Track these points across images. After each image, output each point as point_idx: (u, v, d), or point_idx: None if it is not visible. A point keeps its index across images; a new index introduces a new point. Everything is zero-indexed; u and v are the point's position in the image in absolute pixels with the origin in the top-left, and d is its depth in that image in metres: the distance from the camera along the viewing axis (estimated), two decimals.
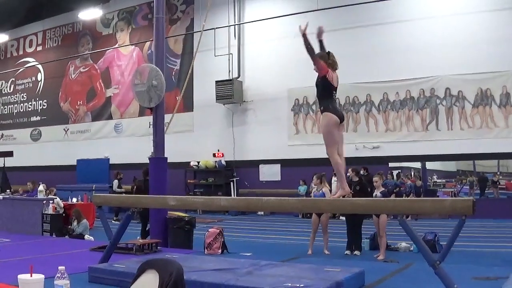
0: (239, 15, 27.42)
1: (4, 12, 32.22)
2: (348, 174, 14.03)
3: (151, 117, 15.13)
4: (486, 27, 21.96)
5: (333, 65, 7.96)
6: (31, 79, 36.47)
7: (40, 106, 35.76)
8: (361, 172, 21.28)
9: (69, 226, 16.59)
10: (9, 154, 30.22)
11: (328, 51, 8.06)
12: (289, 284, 7.33)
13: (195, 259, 10.18)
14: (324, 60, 7.91)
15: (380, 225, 12.71)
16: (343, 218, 17.17)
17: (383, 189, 13.36)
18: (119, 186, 24.41)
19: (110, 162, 31.14)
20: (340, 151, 7.94)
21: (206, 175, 28.20)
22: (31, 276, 3.04)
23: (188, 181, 28.18)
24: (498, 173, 23.36)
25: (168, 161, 14.82)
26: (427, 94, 23.18)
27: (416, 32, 23.16)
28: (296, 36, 8.03)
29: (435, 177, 24.75)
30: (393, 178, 23.86)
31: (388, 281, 9.16)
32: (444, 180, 24.77)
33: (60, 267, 3.04)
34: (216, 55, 27.00)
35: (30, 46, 36.68)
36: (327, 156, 7.89)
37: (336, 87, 7.92)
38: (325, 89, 7.84)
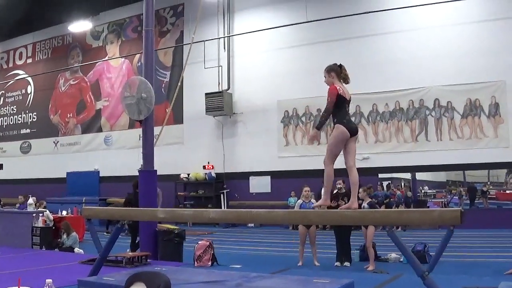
0: (228, 27, 27.47)
1: None
2: (337, 185, 14.07)
3: (141, 129, 15.12)
4: (474, 38, 22.08)
5: (345, 79, 7.94)
6: (21, 92, 36.42)
7: (30, 118, 35.69)
8: None
9: (59, 239, 16.54)
10: None
11: (340, 64, 8.02)
12: None
13: (185, 271, 10.16)
14: (336, 73, 7.88)
15: (368, 236, 12.74)
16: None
17: (370, 200, 13.38)
18: None
19: (100, 175, 31.07)
20: (351, 164, 7.99)
21: (196, 187, 28.15)
22: None
23: (178, 193, 28.11)
24: (488, 183, 23.43)
25: (158, 173, 14.80)
26: (416, 105, 23.26)
27: (405, 44, 23.26)
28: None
29: (426, 187, 24.79)
30: (383, 189, 23.91)
31: None
32: (434, 191, 24.83)
33: (47, 280, 3.05)
34: (206, 67, 27.05)
35: (20, 58, 36.66)
36: (322, 167, 7.92)
37: (349, 100, 7.91)
38: (338, 103, 7.80)
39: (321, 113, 7.98)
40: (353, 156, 8.01)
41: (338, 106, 7.72)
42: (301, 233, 13.49)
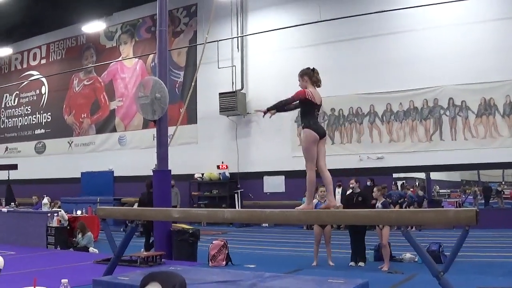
0: (242, 27, 27.45)
1: (8, 26, 32.33)
2: (351, 184, 14.04)
3: (155, 129, 15.15)
4: (489, 36, 21.96)
5: (317, 82, 8.07)
6: (35, 92, 36.56)
7: (44, 119, 35.82)
8: (368, 183, 21.35)
9: (74, 239, 16.61)
10: (14, 167, 30.27)
11: (313, 68, 8.16)
12: None
13: (199, 271, 10.17)
14: (309, 76, 8.08)
15: (383, 236, 12.69)
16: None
17: (384, 199, 13.34)
18: None
19: (115, 175, 31.13)
20: (322, 165, 8.06)
21: (210, 187, 28.15)
22: None
23: (192, 193, 28.13)
24: (503, 182, 23.32)
25: (172, 173, 14.83)
26: (430, 105, 23.15)
27: (419, 43, 23.17)
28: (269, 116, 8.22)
29: (437, 187, 24.67)
30: (397, 188, 23.83)
31: None
32: (448, 190, 24.73)
33: (63, 280, 3.06)
34: (220, 67, 27.05)
35: (34, 59, 36.79)
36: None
37: (320, 104, 8.01)
38: (307, 107, 7.98)
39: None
40: (323, 158, 8.10)
41: (307, 110, 7.97)
42: (316, 233, 13.48)
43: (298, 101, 8.07)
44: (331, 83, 23.51)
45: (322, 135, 7.96)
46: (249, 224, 24.53)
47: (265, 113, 8.28)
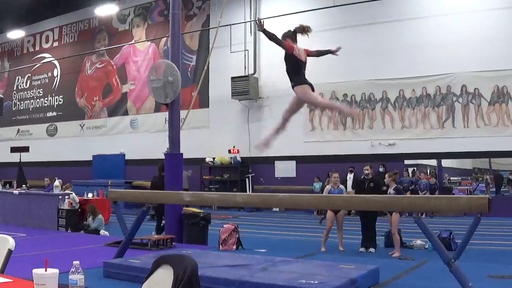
0: (255, 11, 27.35)
1: (21, 8, 32.37)
2: (365, 170, 14.01)
3: (167, 113, 15.16)
4: (503, 24, 21.83)
5: (296, 37, 8.44)
6: (47, 75, 36.60)
7: (56, 101, 35.87)
8: (380, 169, 21.34)
9: (85, 222, 16.65)
10: (25, 149, 30.40)
11: (294, 29, 8.70)
12: (304, 281, 7.33)
13: (210, 255, 10.20)
14: (290, 38, 8.55)
15: (393, 223, 12.69)
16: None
17: (396, 185, 13.32)
18: None
19: (126, 158, 31.21)
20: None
21: (222, 171, 28.19)
22: (46, 270, 3.04)
23: (204, 177, 28.17)
24: None
25: (183, 157, 14.84)
26: (443, 91, 23.04)
27: (432, 29, 23.03)
28: (259, 29, 8.44)
29: (446, 175, 24.58)
30: (408, 175, 23.79)
31: (403, 278, 9.15)
32: (459, 178, 24.68)
33: (74, 262, 3.05)
34: (232, 52, 27.01)
35: (47, 42, 36.80)
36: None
37: (305, 61, 8.41)
38: (295, 65, 8.43)
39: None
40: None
41: (297, 67, 8.49)
42: (329, 218, 13.47)
43: (284, 50, 8.47)
44: (344, 69, 23.51)
45: (312, 87, 8.53)
46: (260, 209, 24.58)
47: (260, 23, 8.46)
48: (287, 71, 8.53)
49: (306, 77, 8.39)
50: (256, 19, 9.39)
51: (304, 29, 8.45)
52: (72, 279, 3.04)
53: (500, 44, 21.65)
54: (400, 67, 23.38)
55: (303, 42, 8.64)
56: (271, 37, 8.20)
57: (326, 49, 9.20)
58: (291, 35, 8.39)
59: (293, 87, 8.41)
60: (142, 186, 24.17)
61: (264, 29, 8.25)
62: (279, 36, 8.46)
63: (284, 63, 8.52)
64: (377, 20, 24.00)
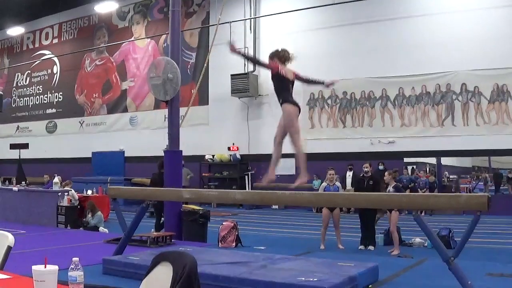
0: (255, 9, 27.35)
1: (21, 5, 32.35)
2: (365, 168, 14.01)
3: (166, 110, 15.15)
4: (503, 22, 21.84)
5: (286, 61, 8.44)
6: (47, 72, 36.59)
7: (56, 98, 35.87)
8: (380, 167, 21.36)
9: (84, 218, 16.66)
10: (25, 146, 30.39)
11: (282, 48, 8.46)
12: (303, 278, 7.33)
13: (209, 252, 10.20)
14: (278, 57, 8.34)
15: (392, 220, 12.69)
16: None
17: (395, 183, 13.33)
18: None
19: (125, 155, 31.22)
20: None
21: (221, 169, 28.19)
22: (45, 267, 3.04)
23: (203, 174, 28.20)
24: None
25: (183, 154, 14.84)
26: (443, 90, 23.05)
27: (432, 27, 23.03)
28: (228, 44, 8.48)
29: (446, 173, 24.54)
30: (408, 173, 23.79)
31: (402, 276, 9.15)
32: (455, 177, 24.65)
33: (74, 258, 3.04)
34: None
35: (46, 38, 36.80)
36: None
37: (293, 81, 8.30)
38: (281, 83, 8.28)
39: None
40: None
41: (283, 86, 8.28)
42: (325, 216, 13.47)
43: (270, 71, 8.37)
44: (343, 66, 23.53)
45: (299, 109, 8.35)
46: (259, 206, 24.58)
47: (233, 49, 8.49)
48: (275, 90, 8.39)
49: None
50: (227, 42, 9.31)
51: (285, 57, 8.34)
52: (71, 275, 3.04)
53: (500, 43, 21.66)
54: (399, 65, 23.39)
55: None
56: (250, 59, 8.28)
57: (318, 80, 8.87)
58: (279, 54, 8.30)
59: (281, 104, 8.19)
60: (142, 183, 24.17)
61: (240, 52, 8.48)
62: (268, 54, 8.40)
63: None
64: (377, 18, 24.01)
